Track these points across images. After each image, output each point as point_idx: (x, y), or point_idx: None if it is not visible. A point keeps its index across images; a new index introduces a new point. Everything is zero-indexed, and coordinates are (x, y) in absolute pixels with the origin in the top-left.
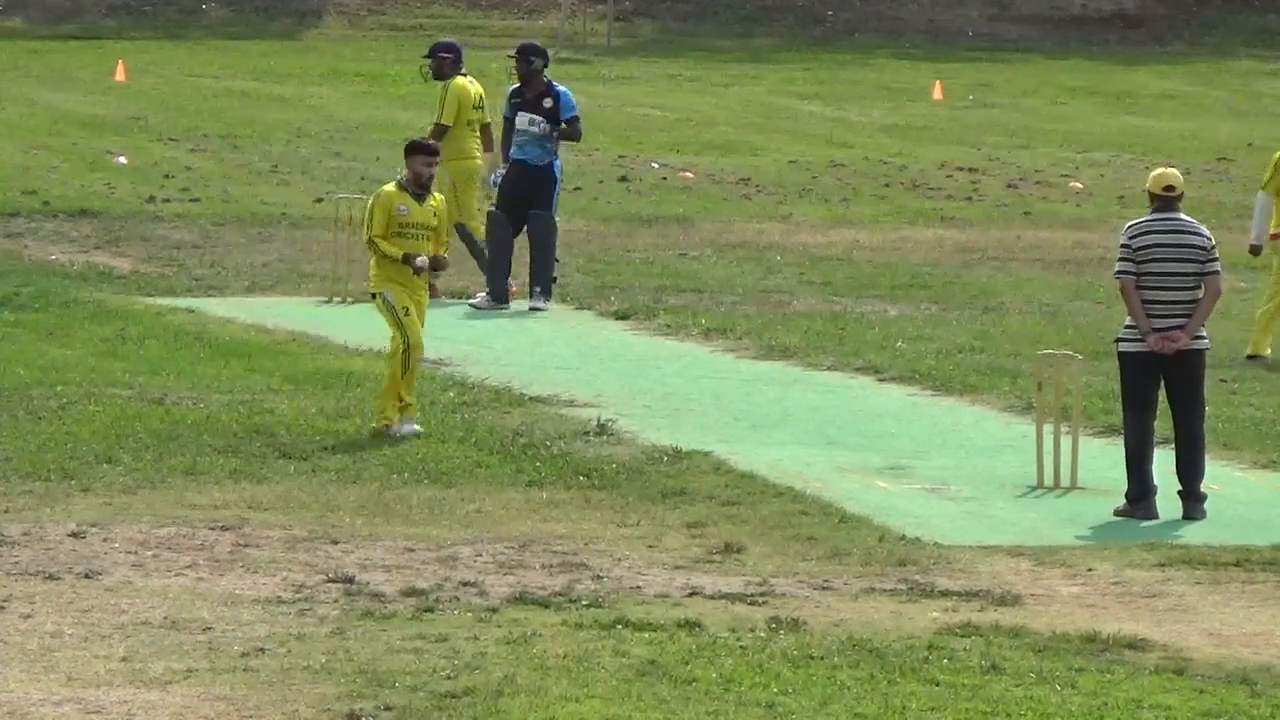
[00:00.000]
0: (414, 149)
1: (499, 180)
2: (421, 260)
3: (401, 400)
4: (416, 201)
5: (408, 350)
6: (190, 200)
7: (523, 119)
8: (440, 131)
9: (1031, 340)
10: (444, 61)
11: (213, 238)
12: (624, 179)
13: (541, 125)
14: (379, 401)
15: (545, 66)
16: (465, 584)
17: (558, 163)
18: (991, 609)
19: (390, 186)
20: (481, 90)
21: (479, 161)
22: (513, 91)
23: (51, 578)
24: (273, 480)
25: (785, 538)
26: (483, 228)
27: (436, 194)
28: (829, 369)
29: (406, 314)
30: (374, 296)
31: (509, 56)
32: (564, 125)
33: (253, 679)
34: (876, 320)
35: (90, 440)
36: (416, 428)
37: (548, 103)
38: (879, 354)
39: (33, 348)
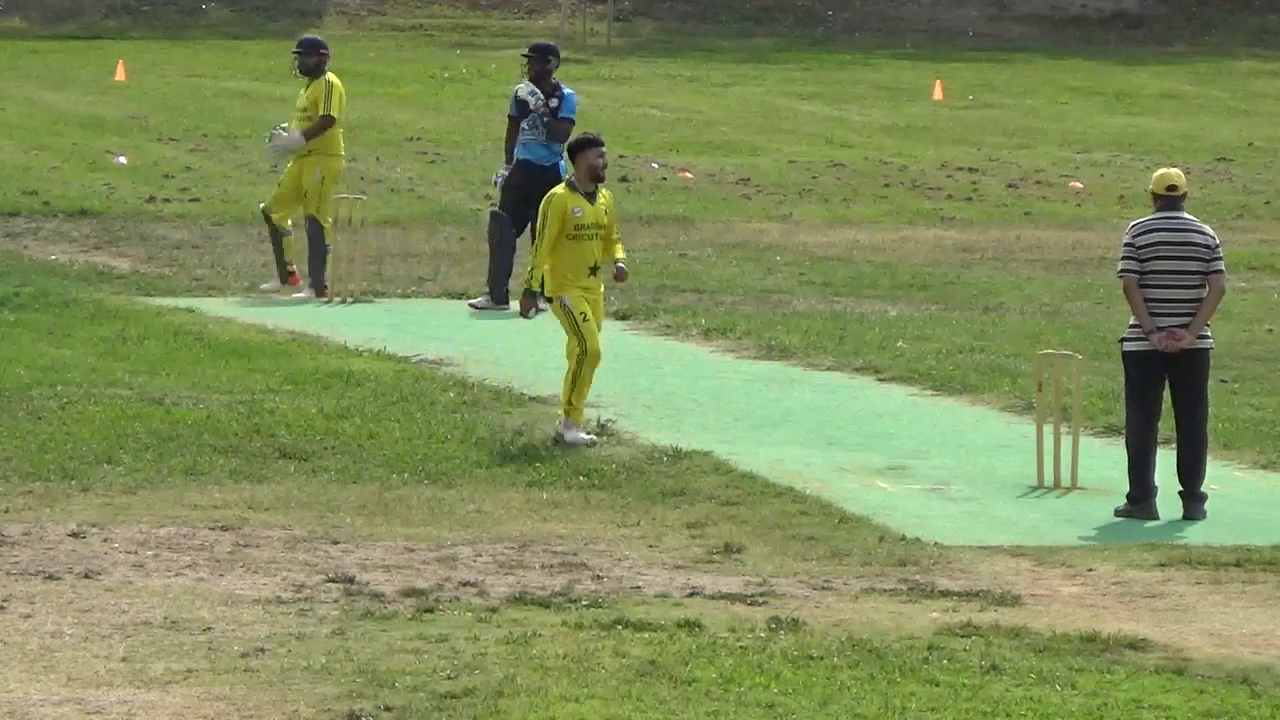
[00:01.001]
0: (585, 144)
1: (501, 180)
2: (618, 273)
3: (570, 404)
4: (589, 201)
5: (583, 356)
6: (190, 200)
7: (529, 119)
8: (328, 123)
9: (1031, 340)
10: (323, 59)
11: (213, 238)
12: (624, 179)
13: (538, 100)
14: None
15: (557, 66)
16: (465, 584)
17: (563, 163)
18: (991, 609)
19: (561, 189)
20: None
21: (343, 160)
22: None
23: (51, 578)
24: (273, 480)
25: (785, 538)
26: (328, 225)
27: (605, 190)
28: (829, 369)
29: (584, 319)
30: (550, 301)
31: (523, 56)
32: (556, 120)
33: (253, 679)
34: (876, 320)
35: (90, 440)
36: (585, 437)
37: (554, 102)
38: (879, 354)
39: (33, 348)
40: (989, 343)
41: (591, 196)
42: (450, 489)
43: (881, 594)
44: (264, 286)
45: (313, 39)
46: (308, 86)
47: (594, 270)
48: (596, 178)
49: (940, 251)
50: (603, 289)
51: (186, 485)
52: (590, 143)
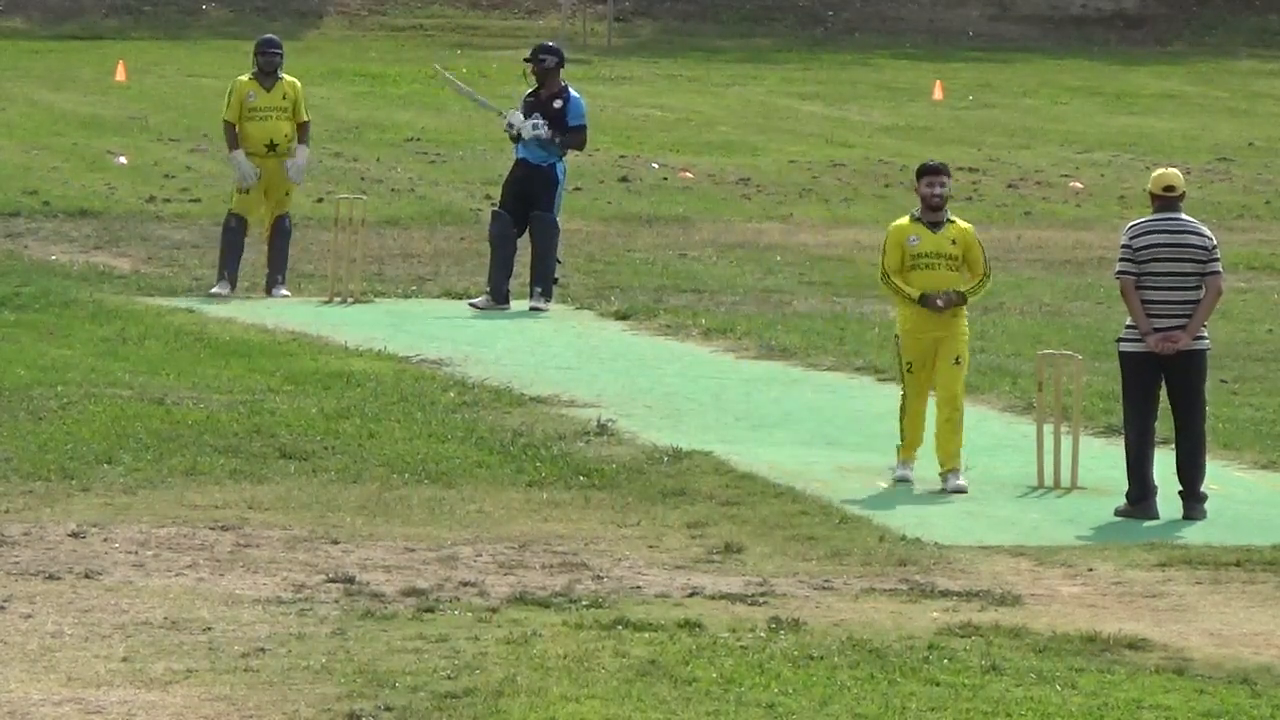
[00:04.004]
0: (919, 172)
1: (515, 122)
2: (944, 299)
3: (906, 439)
4: (929, 230)
5: (904, 401)
6: (190, 200)
7: (534, 119)
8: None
9: (1031, 340)
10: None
11: (213, 238)
12: (624, 179)
13: (545, 129)
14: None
15: (559, 65)
16: (465, 584)
17: (561, 164)
18: (992, 609)
19: (903, 220)
20: None
21: None
22: (529, 93)
23: (52, 578)
24: (273, 480)
25: (785, 538)
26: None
27: (962, 222)
28: (829, 369)
29: (909, 370)
30: (896, 338)
31: (525, 61)
32: (567, 133)
33: (253, 679)
34: (876, 320)
35: (90, 440)
36: (901, 473)
37: (558, 104)
38: (879, 354)
39: (33, 348)
40: (989, 343)
41: (935, 226)
42: (450, 489)
43: (881, 594)
44: (216, 290)
45: (277, 39)
46: (269, 87)
47: None
48: (929, 206)
49: None
50: (959, 320)
51: (186, 485)
52: (923, 171)
